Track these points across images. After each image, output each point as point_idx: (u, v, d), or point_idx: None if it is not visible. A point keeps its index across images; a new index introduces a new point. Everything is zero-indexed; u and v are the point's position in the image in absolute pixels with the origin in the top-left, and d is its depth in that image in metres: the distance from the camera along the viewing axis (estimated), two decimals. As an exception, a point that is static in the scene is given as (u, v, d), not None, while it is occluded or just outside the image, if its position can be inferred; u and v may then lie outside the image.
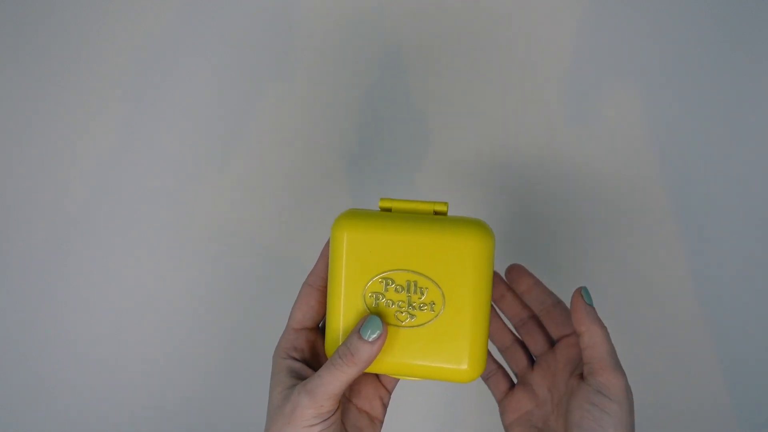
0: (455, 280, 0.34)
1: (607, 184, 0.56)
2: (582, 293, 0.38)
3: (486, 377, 0.43)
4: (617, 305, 0.56)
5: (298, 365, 0.36)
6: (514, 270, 0.42)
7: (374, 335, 0.34)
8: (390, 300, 0.34)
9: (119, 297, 0.56)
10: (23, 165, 0.56)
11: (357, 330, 0.35)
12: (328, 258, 0.38)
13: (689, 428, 0.57)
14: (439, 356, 0.35)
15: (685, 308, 0.56)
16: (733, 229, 0.56)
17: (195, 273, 0.56)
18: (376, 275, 0.34)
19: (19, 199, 0.56)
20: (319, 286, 0.38)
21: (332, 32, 0.56)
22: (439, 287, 0.34)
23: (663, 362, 0.56)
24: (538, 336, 0.42)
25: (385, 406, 0.41)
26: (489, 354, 0.40)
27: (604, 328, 0.37)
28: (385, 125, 0.55)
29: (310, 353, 0.38)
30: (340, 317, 0.35)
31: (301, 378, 0.36)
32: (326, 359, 0.38)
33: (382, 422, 0.40)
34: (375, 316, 0.35)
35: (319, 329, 0.39)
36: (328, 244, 0.39)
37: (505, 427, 0.41)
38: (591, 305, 0.38)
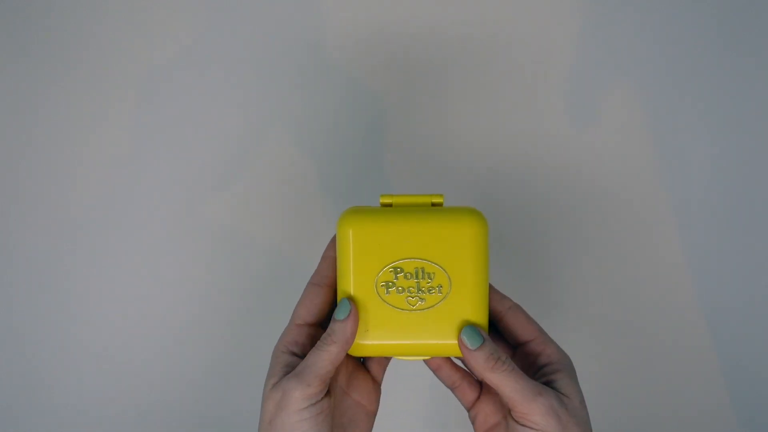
0: (458, 263, 0.37)
1: (607, 185, 0.57)
2: (464, 338, 0.37)
3: (452, 386, 0.43)
4: (616, 305, 0.57)
5: (295, 360, 0.38)
6: None
7: (344, 315, 0.37)
8: (401, 287, 0.37)
9: (120, 298, 0.56)
10: (27, 167, 0.57)
11: (333, 315, 0.37)
12: (329, 258, 0.40)
13: (689, 428, 0.57)
14: (446, 334, 0.37)
15: (684, 308, 0.57)
16: (733, 229, 0.57)
17: (195, 274, 0.56)
18: (386, 266, 0.37)
19: (23, 201, 0.56)
20: (324, 284, 0.40)
21: (334, 39, 0.57)
22: (445, 271, 0.37)
23: (663, 363, 0.57)
24: (498, 343, 0.42)
25: (378, 397, 0.42)
26: (454, 363, 0.42)
27: (496, 368, 0.36)
28: (377, 126, 0.57)
29: (310, 348, 0.39)
30: None
31: None
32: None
33: (375, 413, 0.42)
34: (344, 299, 0.37)
35: (321, 326, 0.40)
36: (329, 245, 0.41)
37: None
38: (477, 345, 0.37)
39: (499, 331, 0.42)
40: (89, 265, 0.57)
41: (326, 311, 0.40)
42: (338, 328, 0.37)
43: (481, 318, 0.38)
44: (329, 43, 0.57)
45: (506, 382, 0.36)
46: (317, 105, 0.57)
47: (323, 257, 0.41)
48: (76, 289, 0.56)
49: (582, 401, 0.37)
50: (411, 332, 0.38)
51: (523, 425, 0.36)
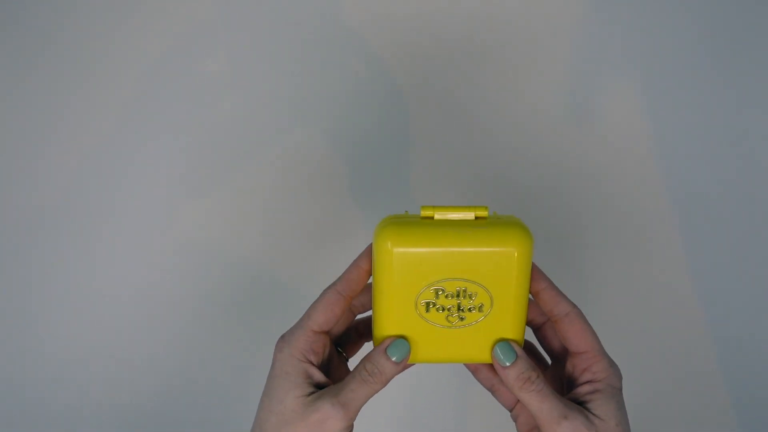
0: (501, 281, 0.37)
1: (608, 185, 0.57)
2: (497, 354, 0.37)
3: (491, 389, 0.42)
4: (618, 306, 0.57)
5: (315, 371, 0.37)
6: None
7: (401, 358, 0.37)
8: (441, 306, 0.37)
9: (105, 302, 0.56)
10: (17, 164, 0.56)
11: (383, 350, 0.37)
12: (362, 270, 0.38)
13: (689, 428, 0.58)
14: (484, 350, 0.38)
15: (685, 308, 0.57)
16: (733, 230, 0.57)
17: (191, 284, 0.57)
18: (427, 285, 0.37)
19: (18, 200, 0.56)
20: (348, 295, 0.38)
21: (348, 42, 0.56)
22: (488, 291, 0.37)
23: (664, 363, 0.57)
24: (547, 344, 0.42)
25: None
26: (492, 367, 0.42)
27: (525, 388, 0.36)
28: (379, 135, 0.57)
29: (324, 358, 0.38)
30: (390, 324, 0.37)
31: (318, 386, 0.37)
32: (336, 365, 0.40)
33: None
34: (403, 340, 0.37)
35: (328, 335, 0.39)
36: (363, 255, 0.39)
37: None
38: (510, 362, 0.37)
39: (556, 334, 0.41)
40: (86, 267, 0.56)
41: (341, 322, 0.40)
42: (390, 368, 0.36)
43: (517, 334, 0.38)
44: (350, 39, 0.56)
45: (533, 402, 0.36)
46: (341, 109, 0.56)
47: (355, 266, 0.39)
48: (68, 290, 0.56)
49: (619, 423, 0.37)
50: (448, 347, 0.38)
51: None
